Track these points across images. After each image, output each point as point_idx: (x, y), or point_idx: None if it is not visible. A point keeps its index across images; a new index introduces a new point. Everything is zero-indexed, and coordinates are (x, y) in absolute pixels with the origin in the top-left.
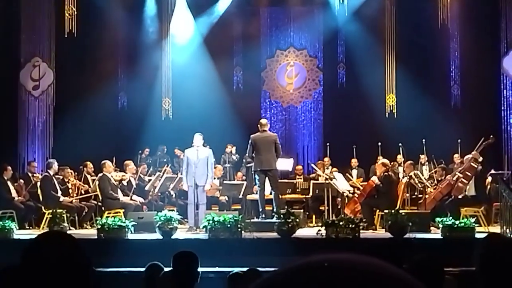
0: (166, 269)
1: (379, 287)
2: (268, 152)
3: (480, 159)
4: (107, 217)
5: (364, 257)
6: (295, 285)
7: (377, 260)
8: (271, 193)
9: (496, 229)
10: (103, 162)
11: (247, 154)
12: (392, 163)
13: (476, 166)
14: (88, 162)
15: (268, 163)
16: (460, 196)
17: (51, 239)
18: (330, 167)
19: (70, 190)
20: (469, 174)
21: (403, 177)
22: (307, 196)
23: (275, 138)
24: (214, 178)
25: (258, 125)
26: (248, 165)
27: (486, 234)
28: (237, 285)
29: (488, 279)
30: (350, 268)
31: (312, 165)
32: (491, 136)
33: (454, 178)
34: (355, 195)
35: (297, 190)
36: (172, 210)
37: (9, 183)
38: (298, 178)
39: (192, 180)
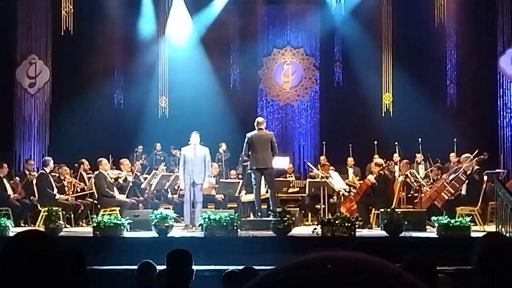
0: (160, 267)
1: (379, 285)
2: (264, 150)
3: (469, 171)
4: (103, 215)
5: (363, 254)
6: (294, 283)
7: (376, 257)
8: (267, 192)
9: (491, 228)
10: (99, 160)
11: (243, 153)
12: (388, 162)
13: (464, 179)
14: (84, 160)
15: (264, 161)
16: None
17: (27, 238)
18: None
19: (66, 188)
20: (457, 185)
21: (399, 176)
22: (303, 195)
23: (271, 136)
24: (211, 177)
25: (255, 124)
26: (245, 163)
27: (485, 233)
28: (232, 283)
29: (486, 278)
30: (350, 265)
31: (308, 163)
32: (485, 153)
33: (450, 178)
34: (351, 193)
35: (293, 188)
36: (168, 208)
37: (5, 180)
38: (289, 177)
39: (188, 178)
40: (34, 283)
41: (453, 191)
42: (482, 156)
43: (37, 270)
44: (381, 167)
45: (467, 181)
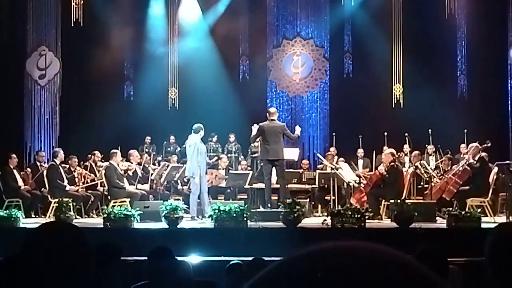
0: None
1: (391, 274)
2: (275, 142)
3: (472, 160)
4: (113, 206)
5: (373, 243)
6: (304, 273)
7: (386, 247)
8: (277, 183)
9: (502, 219)
10: (113, 151)
11: (251, 139)
12: (398, 153)
13: (470, 169)
14: (96, 151)
15: (275, 153)
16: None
17: (54, 228)
18: (336, 157)
19: (76, 179)
20: (463, 176)
21: (409, 167)
22: (313, 186)
23: (283, 128)
24: (220, 169)
25: (267, 113)
26: (254, 155)
27: (497, 224)
28: (236, 275)
29: (497, 268)
30: (360, 254)
31: (318, 154)
32: (487, 140)
33: (461, 167)
34: (361, 185)
35: (303, 179)
36: (178, 200)
37: (15, 172)
38: (302, 172)
39: (199, 169)
40: (60, 274)
41: (460, 182)
42: (485, 145)
43: (64, 261)
44: (394, 158)
45: (471, 170)
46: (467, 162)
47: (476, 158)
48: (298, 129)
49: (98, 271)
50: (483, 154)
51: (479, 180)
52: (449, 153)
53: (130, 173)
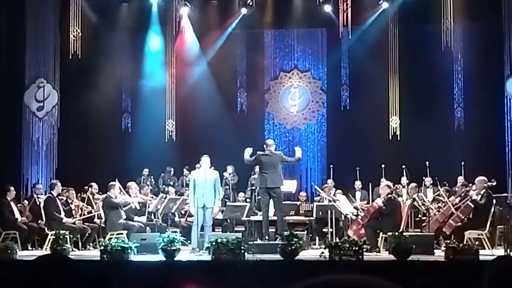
0: None
1: None
2: (272, 172)
3: (476, 197)
4: (110, 238)
5: (371, 277)
6: None
7: (383, 280)
8: (275, 215)
9: (500, 252)
10: (111, 183)
11: (245, 161)
12: (395, 185)
13: (472, 206)
14: (93, 183)
15: (273, 182)
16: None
17: (49, 261)
18: (333, 189)
19: (73, 211)
20: (465, 212)
21: (406, 199)
22: (311, 218)
23: (280, 157)
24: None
25: (264, 145)
26: (253, 187)
27: (495, 256)
28: None
29: None
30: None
31: (316, 186)
32: (492, 179)
33: (457, 202)
34: (359, 217)
35: (300, 212)
36: (175, 232)
37: (12, 204)
38: (300, 204)
39: (197, 201)
40: None
41: (462, 217)
42: (490, 183)
43: None
44: (390, 190)
45: (474, 207)
46: (471, 199)
47: (481, 194)
48: (298, 151)
49: None
50: (483, 191)
51: (483, 215)
52: (447, 185)
53: (133, 206)
